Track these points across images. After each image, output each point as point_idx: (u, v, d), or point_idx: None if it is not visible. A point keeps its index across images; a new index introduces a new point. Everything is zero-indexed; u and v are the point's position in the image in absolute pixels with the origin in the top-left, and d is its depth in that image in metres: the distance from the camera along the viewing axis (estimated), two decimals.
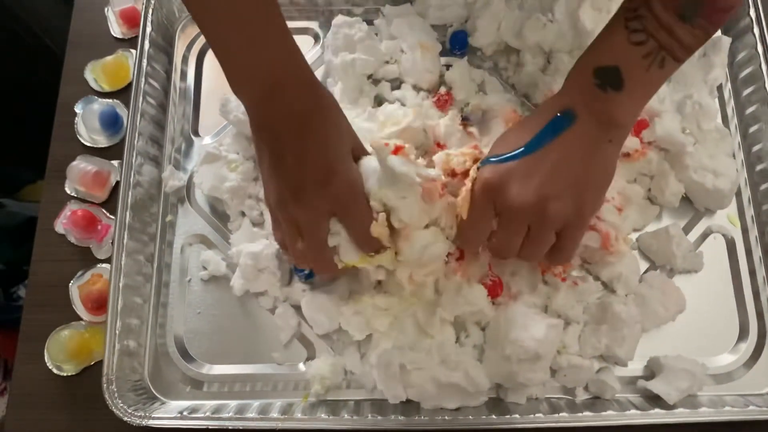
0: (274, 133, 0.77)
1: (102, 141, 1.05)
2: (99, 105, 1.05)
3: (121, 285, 0.90)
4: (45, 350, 0.94)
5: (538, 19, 1.00)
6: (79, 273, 0.98)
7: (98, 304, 0.95)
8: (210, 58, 1.10)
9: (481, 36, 1.05)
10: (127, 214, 0.93)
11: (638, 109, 0.77)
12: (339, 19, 1.04)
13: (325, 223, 0.79)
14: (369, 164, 0.80)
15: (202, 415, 0.86)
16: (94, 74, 1.08)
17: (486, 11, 1.02)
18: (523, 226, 0.77)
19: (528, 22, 1.00)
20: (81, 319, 0.96)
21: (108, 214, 1.01)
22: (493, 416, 0.85)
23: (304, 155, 0.76)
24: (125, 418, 0.85)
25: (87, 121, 1.05)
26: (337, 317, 0.91)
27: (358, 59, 1.00)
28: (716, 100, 1.04)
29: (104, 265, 0.98)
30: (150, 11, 1.05)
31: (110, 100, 1.06)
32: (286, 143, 0.76)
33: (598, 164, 0.77)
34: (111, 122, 1.04)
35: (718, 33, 1.06)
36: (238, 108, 0.97)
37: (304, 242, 0.80)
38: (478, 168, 0.80)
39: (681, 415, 0.85)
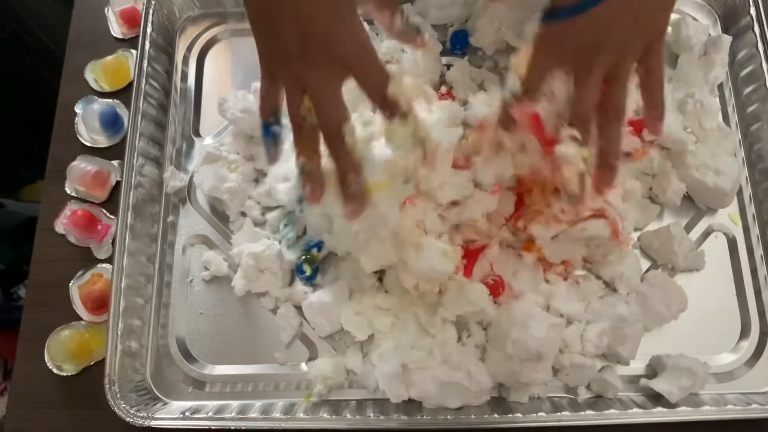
0: None
1: (102, 141, 1.05)
2: (99, 105, 1.05)
3: (123, 286, 0.91)
4: (45, 350, 0.94)
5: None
6: (79, 273, 0.98)
7: (98, 304, 0.95)
8: (211, 58, 1.10)
9: (482, 35, 1.05)
10: (129, 214, 0.94)
11: None
12: None
13: (339, 84, 0.71)
14: None
15: (205, 415, 0.87)
16: (94, 74, 1.08)
17: (486, 11, 1.02)
18: (600, 70, 0.73)
19: (529, 21, 1.00)
20: (81, 319, 0.96)
21: (108, 214, 1.01)
22: (495, 415, 0.85)
23: (306, 7, 0.67)
24: (128, 419, 0.85)
25: (87, 121, 1.05)
26: (338, 319, 0.91)
27: None
28: (717, 98, 1.03)
29: (104, 265, 0.98)
30: (150, 12, 1.05)
31: (110, 100, 1.06)
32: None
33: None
34: (111, 122, 1.04)
35: (719, 31, 1.07)
36: (235, 105, 0.97)
37: (318, 113, 0.71)
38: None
39: (683, 414, 0.85)
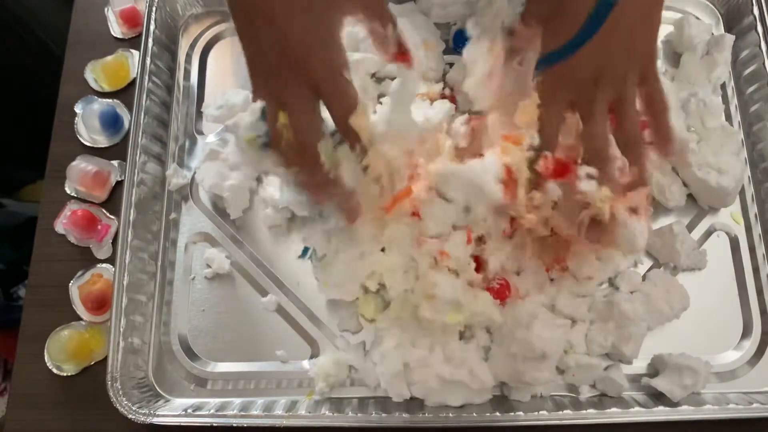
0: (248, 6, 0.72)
1: (102, 141, 1.06)
2: (99, 105, 1.06)
3: (125, 283, 0.91)
4: (45, 350, 0.95)
5: None
6: (79, 273, 0.99)
7: (98, 304, 0.96)
8: (213, 56, 1.11)
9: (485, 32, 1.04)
10: (131, 212, 0.94)
11: None
12: None
13: (312, 101, 0.73)
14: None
15: (207, 412, 0.87)
16: (94, 74, 1.09)
17: (489, 9, 1.02)
18: (605, 102, 0.76)
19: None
20: (81, 319, 0.96)
21: (108, 214, 1.01)
22: (498, 413, 0.86)
23: (279, 15, 0.70)
24: (130, 416, 0.85)
25: (87, 121, 1.05)
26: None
27: (362, 60, 1.00)
28: (720, 97, 1.04)
29: (104, 265, 0.99)
30: (153, 10, 1.05)
31: (110, 100, 1.07)
32: (258, 7, 0.71)
33: (653, 22, 0.78)
34: (111, 122, 1.05)
35: (722, 31, 1.08)
36: (215, 109, 0.98)
37: (289, 122, 0.73)
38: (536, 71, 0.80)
39: (685, 413, 0.86)
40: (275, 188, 0.97)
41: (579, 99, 0.77)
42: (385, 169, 0.80)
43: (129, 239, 0.93)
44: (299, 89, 0.72)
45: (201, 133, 1.06)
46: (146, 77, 1.01)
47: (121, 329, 0.89)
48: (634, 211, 0.79)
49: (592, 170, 0.76)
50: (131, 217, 0.94)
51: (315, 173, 0.76)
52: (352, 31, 1.00)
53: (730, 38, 1.03)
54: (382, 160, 0.79)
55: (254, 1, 0.71)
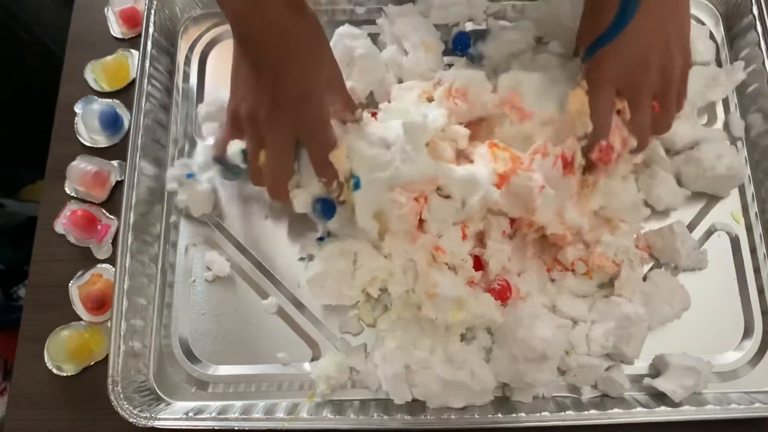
0: (254, 46, 0.78)
1: (102, 141, 1.04)
2: (99, 105, 1.04)
3: (125, 286, 0.90)
4: (45, 350, 0.93)
5: None
6: (79, 273, 0.97)
7: (98, 304, 0.94)
8: (212, 58, 1.09)
9: (494, 49, 1.02)
10: (131, 215, 0.92)
11: None
12: (343, 29, 1.02)
13: (292, 146, 0.82)
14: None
15: (208, 415, 0.86)
16: (94, 74, 1.07)
17: (502, 35, 1.01)
18: (651, 89, 0.79)
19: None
20: (81, 319, 0.95)
21: (108, 214, 1.00)
22: (499, 415, 0.84)
23: (282, 74, 0.77)
24: (131, 420, 0.84)
25: (87, 121, 1.03)
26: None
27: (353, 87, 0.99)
28: (720, 100, 1.03)
29: (104, 265, 0.97)
30: (152, 12, 1.04)
31: (110, 100, 1.05)
32: (264, 59, 0.78)
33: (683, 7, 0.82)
34: (111, 122, 1.03)
35: (721, 32, 1.07)
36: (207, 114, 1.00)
37: (267, 161, 0.82)
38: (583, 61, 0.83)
39: (687, 413, 0.84)
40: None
41: (628, 85, 0.79)
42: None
43: (129, 242, 0.91)
44: (283, 133, 0.81)
45: (200, 135, 1.04)
46: (145, 80, 0.99)
47: (122, 333, 0.88)
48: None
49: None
50: (131, 221, 0.92)
51: (278, 184, 0.85)
52: (349, 45, 0.99)
53: (739, 66, 1.02)
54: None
55: (266, 55, 0.77)
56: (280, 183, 0.84)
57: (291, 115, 0.79)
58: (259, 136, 0.81)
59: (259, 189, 0.94)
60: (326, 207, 0.87)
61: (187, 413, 0.86)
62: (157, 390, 0.91)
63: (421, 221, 0.86)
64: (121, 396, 0.85)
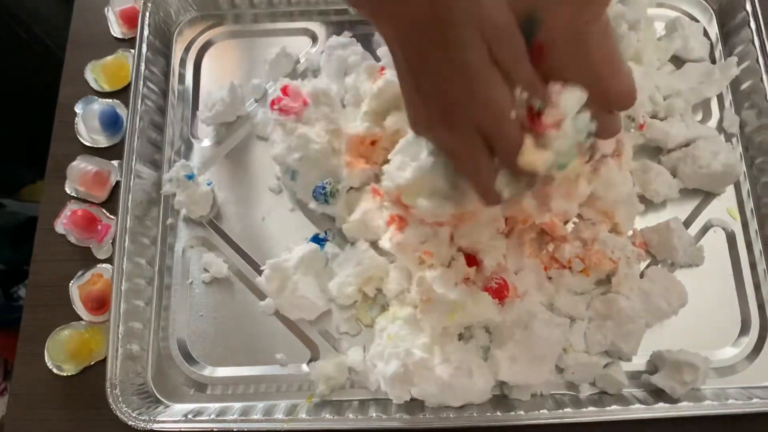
0: (401, 46, 0.61)
1: (102, 141, 1.02)
2: (99, 105, 1.02)
3: (123, 289, 0.88)
4: (45, 350, 0.91)
5: None
6: (79, 273, 0.94)
7: (98, 304, 0.92)
8: (207, 60, 1.07)
9: None
10: (128, 217, 0.90)
11: None
12: (333, 40, 1.00)
13: (479, 145, 0.62)
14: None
15: (207, 417, 0.84)
16: (94, 74, 1.05)
17: None
18: None
19: None
20: (81, 319, 0.93)
21: (108, 214, 0.97)
22: (498, 413, 0.82)
23: (437, 72, 0.60)
24: (130, 422, 0.82)
25: (87, 121, 1.01)
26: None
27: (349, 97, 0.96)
28: (715, 96, 1.01)
29: (104, 265, 0.95)
30: (147, 15, 1.01)
31: (110, 100, 1.03)
32: (412, 60, 0.61)
33: None
34: (111, 122, 1.00)
35: (715, 28, 1.05)
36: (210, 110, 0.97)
37: (466, 173, 0.65)
38: None
39: (685, 409, 0.82)
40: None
41: None
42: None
43: (126, 245, 0.89)
44: (465, 136, 0.62)
45: (196, 137, 1.01)
46: (140, 82, 0.97)
47: (120, 335, 0.86)
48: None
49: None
50: (128, 223, 0.90)
51: (484, 187, 0.65)
52: (342, 55, 0.98)
53: (732, 62, 0.99)
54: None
55: (432, 30, 0.58)
56: (492, 197, 0.65)
57: (464, 112, 0.61)
58: (446, 145, 0.66)
59: (254, 191, 0.93)
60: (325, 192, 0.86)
61: (186, 415, 0.84)
62: (156, 392, 0.89)
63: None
64: (120, 399, 0.83)
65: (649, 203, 0.94)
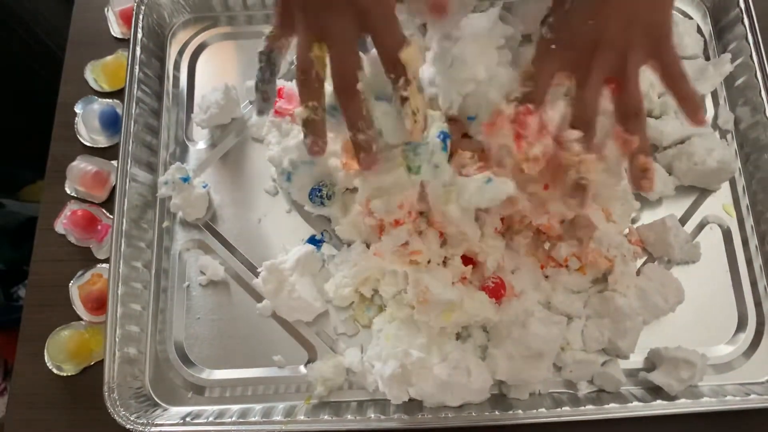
0: None
1: (102, 141, 0.98)
2: (99, 105, 0.98)
3: (119, 292, 0.85)
4: (45, 350, 0.89)
5: None
6: (79, 273, 0.92)
7: (98, 304, 0.89)
8: (202, 63, 1.03)
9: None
10: (124, 221, 0.87)
11: None
12: None
13: (356, 38, 0.66)
14: None
15: (205, 420, 0.81)
16: (94, 74, 1.02)
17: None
18: (601, 68, 0.67)
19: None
20: (81, 319, 0.90)
21: (108, 214, 0.95)
22: (496, 412, 0.80)
23: None
24: (128, 426, 0.80)
25: (87, 121, 0.98)
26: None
27: None
28: (710, 93, 0.99)
29: (104, 265, 0.92)
30: (141, 17, 0.97)
31: (110, 100, 1.00)
32: None
33: None
34: (111, 122, 0.97)
35: (708, 25, 1.02)
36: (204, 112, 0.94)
37: (331, 55, 0.65)
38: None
39: (683, 406, 0.80)
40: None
41: (575, 65, 0.68)
42: (421, 105, 0.69)
43: (122, 249, 0.86)
44: (344, 19, 0.64)
45: (191, 139, 0.98)
46: (134, 85, 0.94)
47: (117, 339, 0.83)
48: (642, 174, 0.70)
49: (577, 134, 0.68)
50: (124, 227, 0.87)
51: (353, 106, 0.67)
52: None
53: (728, 66, 0.96)
54: (420, 96, 0.69)
55: None
56: (349, 78, 0.66)
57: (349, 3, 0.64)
58: (314, 23, 0.65)
59: (250, 193, 0.90)
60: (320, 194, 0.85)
61: (184, 418, 0.82)
62: (154, 396, 0.86)
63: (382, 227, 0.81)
64: (117, 403, 0.81)
65: (644, 201, 0.92)
